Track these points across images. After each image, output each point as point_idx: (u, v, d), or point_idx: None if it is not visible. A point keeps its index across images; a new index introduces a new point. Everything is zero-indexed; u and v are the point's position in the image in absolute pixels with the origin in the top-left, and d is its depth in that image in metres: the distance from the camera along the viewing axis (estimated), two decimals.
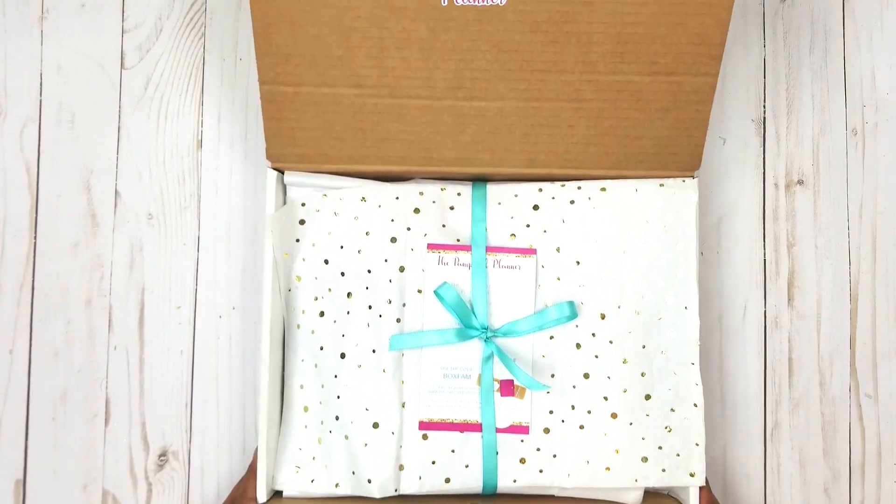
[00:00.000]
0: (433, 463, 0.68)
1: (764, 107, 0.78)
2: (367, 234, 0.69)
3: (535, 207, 0.70)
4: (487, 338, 0.68)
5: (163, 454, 0.75)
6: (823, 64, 0.78)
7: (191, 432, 0.75)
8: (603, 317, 0.69)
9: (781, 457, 0.76)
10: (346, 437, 0.68)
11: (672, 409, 0.68)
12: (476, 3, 0.63)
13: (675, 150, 0.68)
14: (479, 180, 0.71)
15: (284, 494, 0.69)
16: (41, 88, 0.77)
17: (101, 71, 0.77)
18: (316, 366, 0.69)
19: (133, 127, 0.77)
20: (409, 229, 0.69)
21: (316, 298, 0.69)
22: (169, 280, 0.76)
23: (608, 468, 0.68)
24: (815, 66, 0.78)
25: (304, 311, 0.69)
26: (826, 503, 0.76)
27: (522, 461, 0.68)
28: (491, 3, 0.63)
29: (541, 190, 0.70)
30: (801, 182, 0.78)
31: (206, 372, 0.75)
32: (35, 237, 0.76)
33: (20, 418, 0.75)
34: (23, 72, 0.77)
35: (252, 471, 0.68)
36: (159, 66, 0.77)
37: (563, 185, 0.70)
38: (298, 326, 0.69)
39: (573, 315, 0.68)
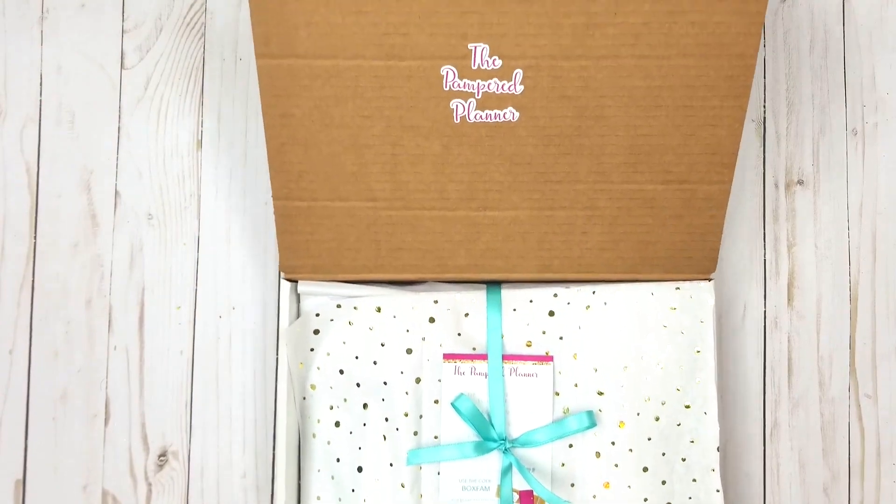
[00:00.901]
0: None
1: (764, 107, 0.78)
2: (382, 344, 0.69)
3: (551, 313, 0.70)
4: (506, 448, 0.67)
5: (163, 454, 0.75)
6: (823, 64, 0.78)
7: (191, 432, 0.75)
8: (622, 424, 0.69)
9: (781, 457, 0.76)
10: None
11: None
12: (489, 119, 0.65)
13: (690, 255, 0.69)
14: (494, 282, 0.71)
15: None
16: (41, 88, 0.77)
17: (101, 71, 0.77)
18: (333, 478, 0.69)
19: (133, 127, 0.77)
20: (424, 339, 0.69)
21: (331, 408, 0.69)
22: (169, 280, 0.76)
23: None
24: (815, 66, 0.78)
25: (319, 421, 0.69)
26: (825, 503, 0.76)
27: None
28: (503, 119, 0.65)
29: (556, 295, 0.70)
30: (801, 182, 0.78)
31: (206, 372, 0.75)
32: (35, 237, 0.76)
33: (20, 418, 0.75)
34: (23, 72, 0.77)
35: None
36: (159, 66, 0.77)
37: (578, 290, 0.70)
38: (314, 435, 0.69)
39: (592, 424, 0.68)
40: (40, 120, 0.77)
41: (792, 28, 0.78)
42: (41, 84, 0.77)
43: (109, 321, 0.76)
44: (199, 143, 0.77)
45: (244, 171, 0.77)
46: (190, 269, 0.76)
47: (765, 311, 0.77)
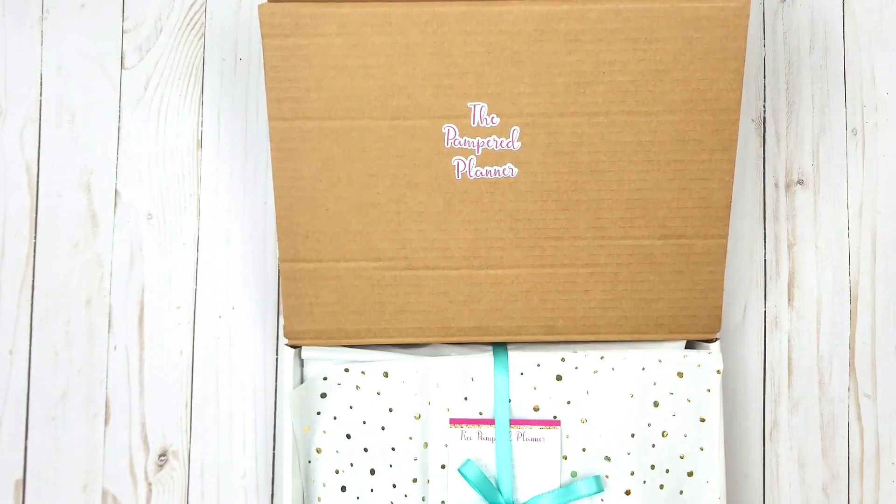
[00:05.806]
0: None
1: (764, 107, 0.78)
2: (390, 410, 0.69)
3: (559, 378, 0.69)
4: None
5: (163, 454, 0.75)
6: (823, 64, 0.78)
7: (191, 432, 0.75)
8: (628, 492, 0.68)
9: (780, 456, 0.76)
10: None
11: None
12: (489, 175, 0.66)
13: (694, 313, 0.69)
14: (499, 343, 0.71)
15: None
16: (41, 88, 0.77)
17: (101, 71, 0.77)
18: None
19: (133, 127, 0.77)
20: (430, 404, 0.69)
21: (337, 472, 0.69)
22: (169, 280, 0.76)
23: None
24: (815, 66, 0.78)
25: (324, 485, 0.69)
26: (825, 502, 0.76)
27: None
28: (503, 174, 0.66)
29: (563, 360, 0.69)
30: (801, 182, 0.78)
31: (206, 372, 0.75)
32: (35, 237, 0.76)
33: (20, 418, 0.75)
34: (23, 72, 0.77)
35: None
36: (159, 66, 0.77)
37: (586, 355, 0.69)
38: (319, 500, 0.69)
39: (600, 489, 0.68)
40: (40, 120, 0.77)
41: (792, 28, 0.79)
42: (41, 84, 0.77)
43: (109, 321, 0.76)
44: (200, 143, 0.77)
45: (244, 171, 0.77)
46: (190, 269, 0.76)
47: (765, 311, 0.77)
